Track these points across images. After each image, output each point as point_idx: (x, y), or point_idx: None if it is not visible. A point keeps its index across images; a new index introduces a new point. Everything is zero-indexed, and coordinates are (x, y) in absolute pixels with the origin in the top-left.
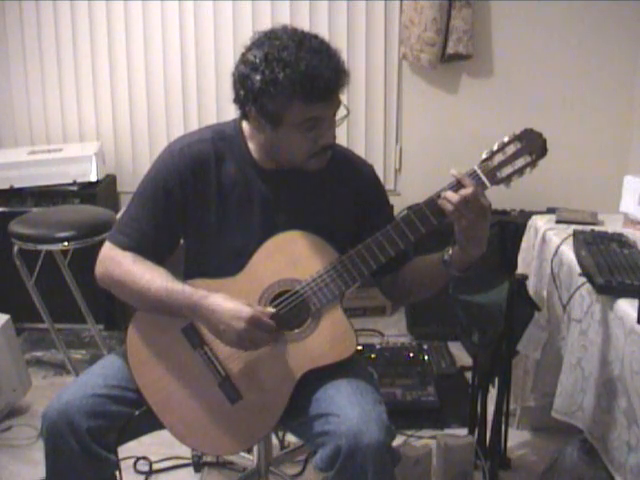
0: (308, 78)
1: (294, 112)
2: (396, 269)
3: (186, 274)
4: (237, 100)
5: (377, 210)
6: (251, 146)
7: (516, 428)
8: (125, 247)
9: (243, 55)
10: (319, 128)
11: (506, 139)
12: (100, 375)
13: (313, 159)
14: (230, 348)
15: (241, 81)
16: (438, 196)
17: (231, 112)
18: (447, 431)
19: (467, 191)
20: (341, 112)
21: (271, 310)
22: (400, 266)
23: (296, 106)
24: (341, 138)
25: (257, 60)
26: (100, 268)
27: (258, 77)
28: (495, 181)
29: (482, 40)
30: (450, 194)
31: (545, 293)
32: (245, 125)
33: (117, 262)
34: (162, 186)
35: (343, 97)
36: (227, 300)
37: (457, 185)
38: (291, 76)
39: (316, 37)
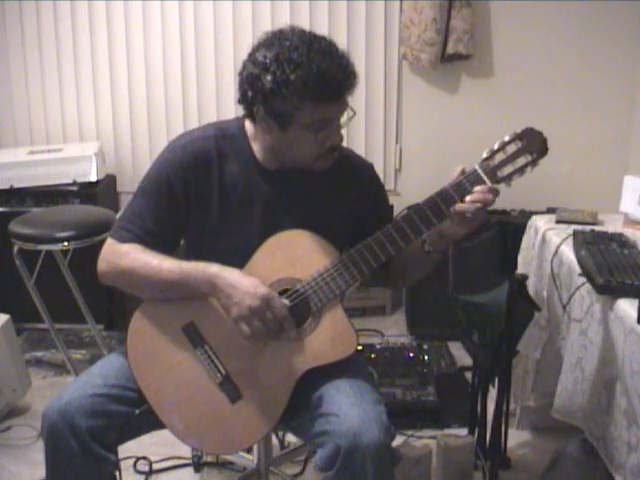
0: (320, 79)
1: (304, 113)
2: (386, 263)
3: None
4: (244, 100)
5: (377, 208)
6: (254, 146)
7: (516, 428)
8: (128, 243)
9: (251, 55)
10: (328, 129)
11: (507, 138)
12: (100, 375)
13: (319, 160)
14: (230, 347)
15: (250, 81)
16: (438, 196)
17: (231, 112)
18: (447, 431)
19: (489, 197)
20: (347, 113)
21: (286, 302)
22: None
23: (307, 107)
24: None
25: (267, 61)
26: (103, 264)
27: (269, 77)
28: (496, 180)
29: (482, 40)
30: (467, 206)
31: (545, 293)
32: (248, 125)
33: (123, 253)
34: (165, 182)
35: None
36: (244, 275)
37: (458, 185)
38: (303, 77)
39: (324, 38)
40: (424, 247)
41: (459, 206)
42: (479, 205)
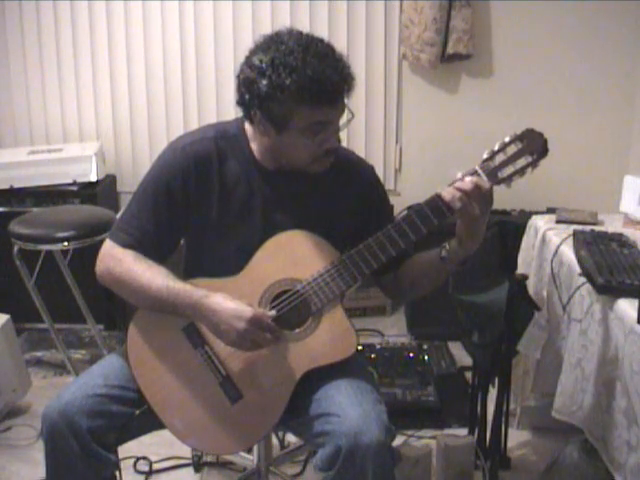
0: (315, 83)
1: (300, 117)
2: (396, 268)
3: (186, 273)
4: (241, 103)
5: (377, 210)
6: (253, 146)
7: (516, 428)
8: (126, 245)
9: (248, 59)
10: (324, 132)
11: (507, 139)
12: (100, 375)
13: (317, 162)
14: (231, 348)
15: (246, 85)
16: (439, 196)
17: (231, 112)
18: (447, 431)
19: (482, 182)
20: (345, 116)
21: (272, 313)
22: (400, 265)
23: (302, 111)
24: (341, 139)
25: (263, 65)
26: (101, 266)
27: (265, 82)
28: (496, 181)
29: (482, 40)
30: (461, 183)
31: (545, 293)
32: (248, 126)
33: (118, 260)
34: (164, 185)
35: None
36: (228, 300)
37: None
38: (298, 81)
39: (321, 41)
40: (440, 252)
41: (452, 191)
42: (459, 194)
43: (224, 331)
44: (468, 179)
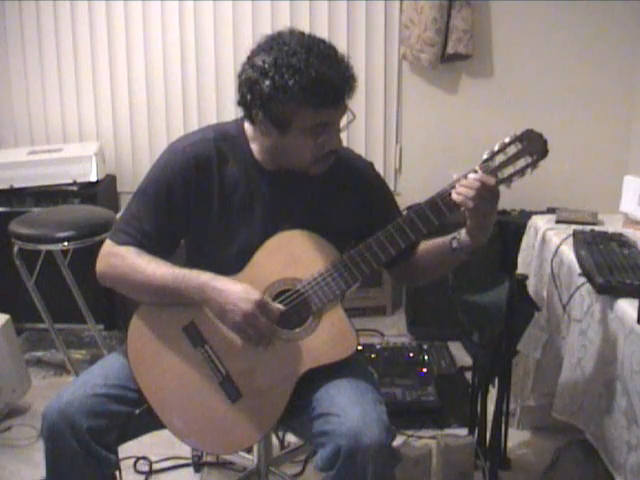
0: (318, 84)
1: (303, 118)
2: (406, 258)
3: None
4: (243, 103)
5: (380, 205)
6: (253, 147)
7: (516, 428)
8: (126, 245)
9: (250, 59)
10: (326, 133)
11: (507, 140)
12: (100, 374)
13: (318, 163)
14: (230, 347)
15: (248, 85)
16: (439, 196)
17: (231, 112)
18: (447, 431)
19: (486, 178)
20: (346, 117)
21: (280, 307)
22: (409, 255)
23: (305, 112)
24: (341, 138)
25: (266, 65)
26: (102, 264)
27: (267, 83)
28: (496, 181)
29: (482, 40)
30: (469, 181)
31: (545, 293)
32: (247, 126)
33: (120, 256)
34: (164, 185)
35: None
36: (236, 282)
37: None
38: (301, 82)
39: (324, 42)
40: (452, 244)
41: (459, 190)
42: (470, 192)
43: (229, 311)
44: (472, 176)
